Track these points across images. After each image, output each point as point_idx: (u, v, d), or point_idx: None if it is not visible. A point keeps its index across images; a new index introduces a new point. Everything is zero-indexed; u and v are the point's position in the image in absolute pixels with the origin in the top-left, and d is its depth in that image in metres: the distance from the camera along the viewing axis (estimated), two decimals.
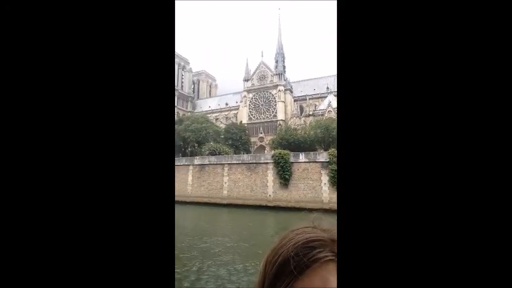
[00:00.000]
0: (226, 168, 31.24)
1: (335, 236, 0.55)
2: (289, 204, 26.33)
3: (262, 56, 57.98)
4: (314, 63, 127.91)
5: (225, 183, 30.82)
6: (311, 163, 27.55)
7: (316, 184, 26.83)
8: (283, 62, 57.02)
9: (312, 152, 29.25)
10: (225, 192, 30.52)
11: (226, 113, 63.29)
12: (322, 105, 49.03)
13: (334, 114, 43.28)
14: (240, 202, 28.56)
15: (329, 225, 0.58)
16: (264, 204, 27.51)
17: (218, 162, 31.98)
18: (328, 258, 0.50)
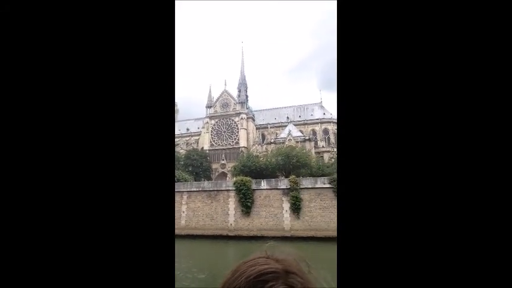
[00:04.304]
0: (185, 197, 29.68)
1: (289, 267, 0.52)
2: (251, 233, 25.61)
3: (225, 84, 59.48)
4: (275, 95, 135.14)
5: (183, 212, 29.07)
6: (272, 190, 27.64)
7: (277, 211, 26.75)
8: (246, 91, 59.01)
9: (273, 179, 29.52)
10: (182, 222, 28.65)
11: (187, 138, 61.91)
12: (283, 134, 50.91)
13: (294, 143, 45.06)
14: (199, 232, 26.96)
15: (284, 255, 0.55)
16: (225, 234, 26.35)
17: (177, 190, 30.32)
18: None
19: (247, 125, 55.08)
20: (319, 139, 51.25)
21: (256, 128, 56.92)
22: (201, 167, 43.90)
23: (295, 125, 52.78)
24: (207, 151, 52.19)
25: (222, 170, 51.09)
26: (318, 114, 55.19)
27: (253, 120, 57.39)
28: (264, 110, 61.87)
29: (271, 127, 55.97)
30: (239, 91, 58.06)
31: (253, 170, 34.41)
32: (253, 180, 28.58)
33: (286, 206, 26.46)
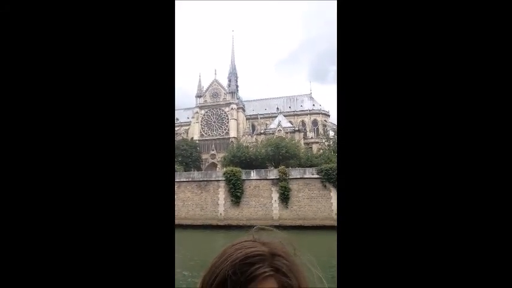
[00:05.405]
0: (175, 187, 29.64)
1: (275, 249, 0.53)
2: (241, 223, 26.01)
3: (215, 74, 58.56)
4: (265, 85, 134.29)
5: None
6: (262, 180, 28.00)
7: (267, 201, 27.21)
8: (236, 81, 58.40)
9: (263, 170, 29.84)
10: None
11: (177, 128, 61.10)
12: (273, 125, 51.06)
13: (283, 133, 45.35)
14: (188, 222, 27.14)
15: (270, 238, 0.56)
16: (215, 224, 26.66)
17: None
18: (266, 274, 0.48)
19: (237, 116, 54.81)
20: (308, 130, 51.75)
21: (247, 119, 56.77)
22: (190, 157, 43.70)
23: (285, 115, 52.94)
24: (197, 141, 51.82)
25: (212, 161, 51.02)
26: (307, 106, 55.47)
27: (244, 110, 57.12)
28: (254, 100, 61.54)
29: (261, 118, 55.94)
30: (229, 81, 57.39)
31: (243, 161, 34.57)
32: (243, 171, 28.80)
33: (275, 195, 26.92)
